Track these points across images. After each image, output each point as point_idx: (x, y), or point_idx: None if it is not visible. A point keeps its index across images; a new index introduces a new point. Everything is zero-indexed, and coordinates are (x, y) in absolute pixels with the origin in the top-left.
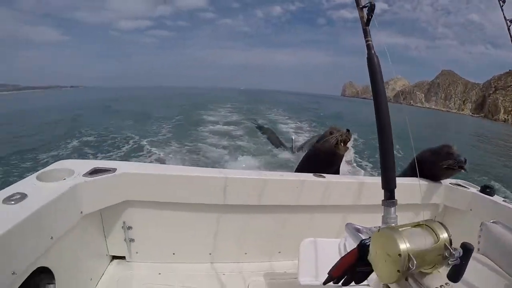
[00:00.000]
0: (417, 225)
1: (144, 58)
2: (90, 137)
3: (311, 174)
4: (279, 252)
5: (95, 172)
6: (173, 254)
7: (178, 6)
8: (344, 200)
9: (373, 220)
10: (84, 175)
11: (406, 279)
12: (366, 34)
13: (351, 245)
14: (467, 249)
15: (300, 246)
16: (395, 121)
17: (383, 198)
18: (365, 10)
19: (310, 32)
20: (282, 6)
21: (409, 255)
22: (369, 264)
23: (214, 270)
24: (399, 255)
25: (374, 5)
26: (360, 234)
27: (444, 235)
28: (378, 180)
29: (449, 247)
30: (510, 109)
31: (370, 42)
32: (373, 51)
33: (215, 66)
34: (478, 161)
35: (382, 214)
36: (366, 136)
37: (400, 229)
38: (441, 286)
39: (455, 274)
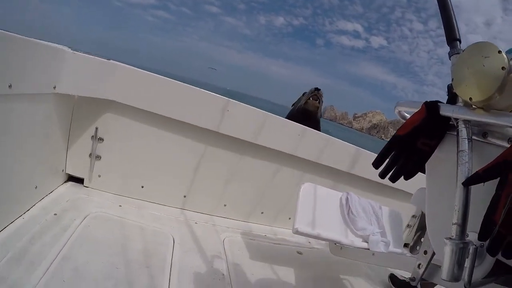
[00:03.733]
0: None
1: (141, 35)
2: None
3: None
4: (262, 213)
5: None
6: (142, 187)
7: None
8: (339, 164)
9: (360, 194)
10: (74, 50)
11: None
12: None
13: (354, 200)
14: None
15: (301, 189)
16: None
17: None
18: None
19: (307, 50)
20: (285, 18)
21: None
22: (438, 127)
23: (186, 216)
24: (499, 52)
25: None
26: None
27: None
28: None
29: None
30: None
31: None
32: None
33: (208, 60)
34: None
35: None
36: None
37: None
38: None
39: None
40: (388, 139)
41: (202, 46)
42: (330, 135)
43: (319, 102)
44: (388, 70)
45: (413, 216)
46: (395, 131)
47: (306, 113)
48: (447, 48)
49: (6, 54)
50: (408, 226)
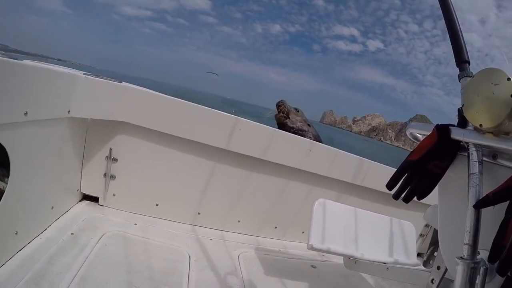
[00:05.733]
0: None
1: (139, 47)
2: None
3: None
4: (275, 228)
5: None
6: (156, 205)
7: (182, 4)
8: (349, 176)
9: (370, 205)
10: (85, 73)
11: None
12: None
13: (365, 215)
14: None
15: (314, 205)
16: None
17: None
18: None
19: (304, 56)
20: (282, 26)
21: None
22: (449, 150)
23: (200, 233)
24: (508, 79)
25: None
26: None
27: None
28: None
29: None
30: None
31: None
32: None
33: (207, 70)
34: None
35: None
36: None
37: None
38: None
39: None
40: (387, 141)
41: (200, 56)
42: (333, 141)
43: (283, 112)
44: (386, 72)
45: (426, 226)
46: (393, 133)
47: (280, 128)
48: (443, 48)
49: (21, 83)
50: (421, 235)
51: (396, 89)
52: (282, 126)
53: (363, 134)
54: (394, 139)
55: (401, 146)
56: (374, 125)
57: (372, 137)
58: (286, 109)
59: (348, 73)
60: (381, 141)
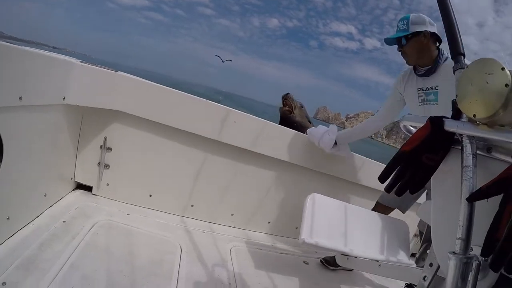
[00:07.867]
0: None
1: (135, 38)
2: None
3: None
4: (269, 223)
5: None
6: (150, 196)
7: None
8: (344, 173)
9: (363, 202)
10: (82, 61)
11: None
12: None
13: (358, 211)
14: None
15: (307, 200)
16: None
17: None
18: None
19: (301, 52)
20: (279, 20)
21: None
22: (442, 143)
23: (193, 225)
24: (502, 68)
25: None
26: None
27: None
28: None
29: None
30: None
31: None
32: None
33: (203, 62)
34: None
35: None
36: None
37: None
38: None
39: None
40: (378, 139)
41: (197, 47)
42: None
43: (290, 106)
44: (383, 71)
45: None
46: (385, 131)
47: (283, 122)
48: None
49: (17, 67)
50: (415, 235)
51: (391, 87)
52: (285, 120)
53: None
54: (385, 137)
55: (391, 144)
56: None
57: None
58: (293, 104)
59: (344, 70)
60: (372, 138)
